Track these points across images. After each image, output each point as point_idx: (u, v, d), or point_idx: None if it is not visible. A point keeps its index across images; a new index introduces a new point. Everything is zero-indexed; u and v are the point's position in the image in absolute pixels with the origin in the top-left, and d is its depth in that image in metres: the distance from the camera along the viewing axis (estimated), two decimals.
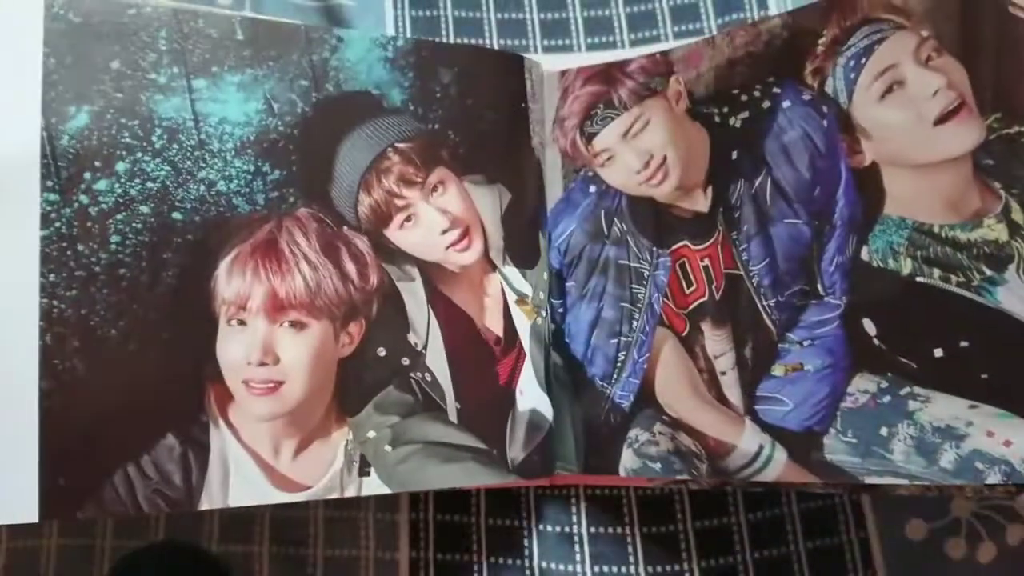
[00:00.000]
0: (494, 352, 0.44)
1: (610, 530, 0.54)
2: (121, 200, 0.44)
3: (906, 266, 0.33)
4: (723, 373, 0.38)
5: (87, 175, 0.43)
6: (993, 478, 0.31)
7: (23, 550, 0.50)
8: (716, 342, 0.38)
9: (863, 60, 0.34)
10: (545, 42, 0.63)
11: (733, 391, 0.38)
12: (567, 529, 0.55)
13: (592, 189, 0.44)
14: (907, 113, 0.34)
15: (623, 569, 0.54)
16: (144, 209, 0.44)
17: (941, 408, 0.32)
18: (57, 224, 0.43)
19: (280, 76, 0.47)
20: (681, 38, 0.61)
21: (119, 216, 0.44)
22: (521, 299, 0.42)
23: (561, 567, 0.54)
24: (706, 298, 0.39)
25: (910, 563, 0.51)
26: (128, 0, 0.46)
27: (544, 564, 0.54)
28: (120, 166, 0.44)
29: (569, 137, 0.45)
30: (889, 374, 0.34)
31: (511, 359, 0.42)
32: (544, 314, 0.43)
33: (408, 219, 0.47)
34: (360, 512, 0.53)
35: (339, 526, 0.53)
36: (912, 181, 0.33)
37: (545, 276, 0.43)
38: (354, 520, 0.53)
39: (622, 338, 0.41)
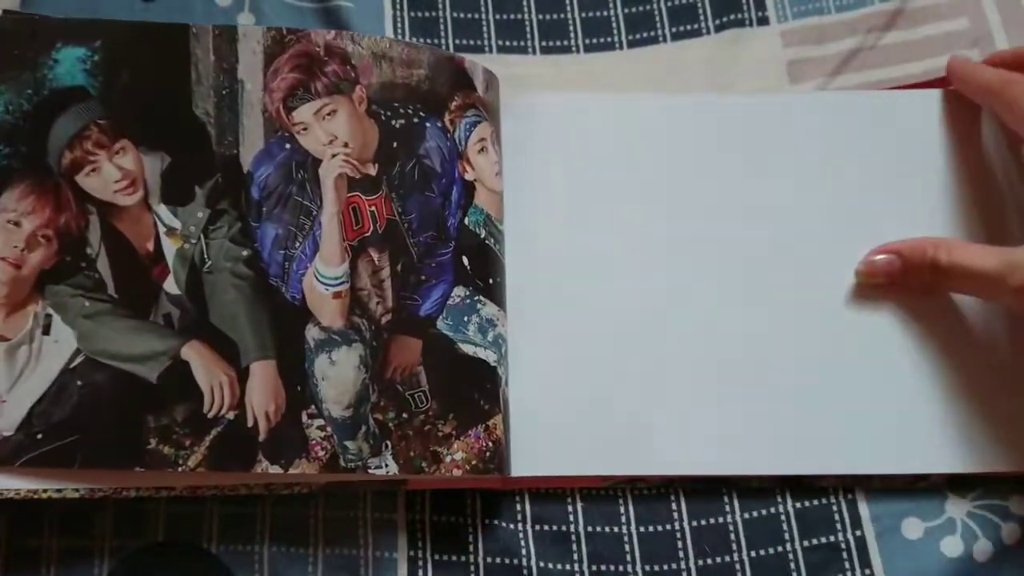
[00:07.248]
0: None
1: (607, 529, 0.54)
2: None
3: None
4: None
5: None
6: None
7: (23, 550, 0.53)
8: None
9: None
10: (543, 43, 0.64)
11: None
12: (563, 528, 0.54)
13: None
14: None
15: (620, 568, 0.52)
16: None
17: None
18: None
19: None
20: (679, 39, 0.64)
21: None
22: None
23: (558, 566, 0.53)
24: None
25: (907, 562, 0.52)
26: None
27: (541, 564, 0.53)
28: None
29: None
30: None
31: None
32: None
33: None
34: (359, 511, 0.54)
35: (339, 526, 0.54)
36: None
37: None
38: (353, 519, 0.54)
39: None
